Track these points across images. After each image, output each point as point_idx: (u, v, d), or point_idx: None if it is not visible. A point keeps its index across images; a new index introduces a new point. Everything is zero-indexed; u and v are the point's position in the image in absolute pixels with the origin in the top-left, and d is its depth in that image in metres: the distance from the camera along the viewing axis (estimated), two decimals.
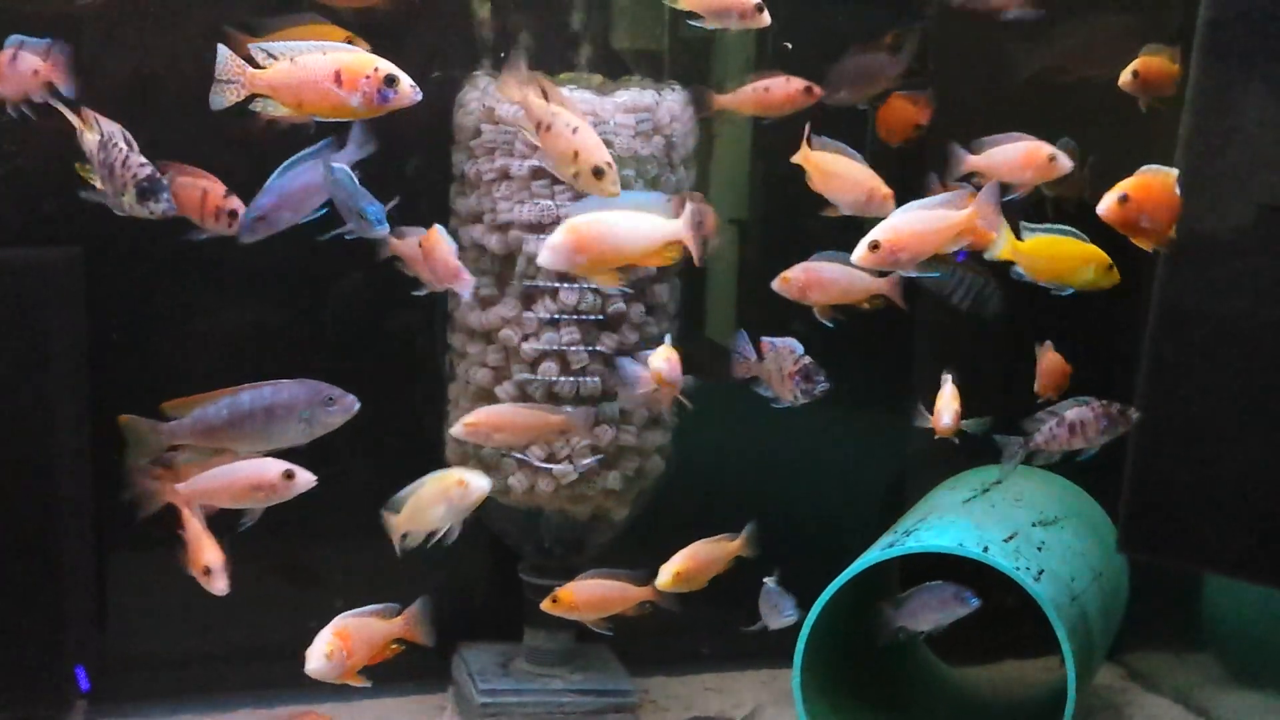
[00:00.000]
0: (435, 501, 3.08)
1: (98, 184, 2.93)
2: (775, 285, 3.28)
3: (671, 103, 3.66)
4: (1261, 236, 3.40)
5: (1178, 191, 2.97)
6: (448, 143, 3.71)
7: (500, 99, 3.54)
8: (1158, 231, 2.98)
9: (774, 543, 4.18)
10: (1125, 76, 3.38)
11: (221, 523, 3.00)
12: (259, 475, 2.86)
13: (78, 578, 3.70)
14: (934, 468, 4.38)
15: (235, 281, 3.84)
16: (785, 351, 3.24)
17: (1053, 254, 3.07)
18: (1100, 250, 3.04)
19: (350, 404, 2.88)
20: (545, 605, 3.36)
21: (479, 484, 3.09)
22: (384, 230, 2.95)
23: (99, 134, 2.91)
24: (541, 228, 3.52)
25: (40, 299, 3.46)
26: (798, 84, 3.62)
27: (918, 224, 2.95)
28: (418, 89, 2.70)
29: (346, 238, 2.98)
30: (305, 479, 2.87)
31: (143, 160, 2.87)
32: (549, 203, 3.53)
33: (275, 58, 2.69)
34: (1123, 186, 2.95)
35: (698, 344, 4.21)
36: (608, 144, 3.50)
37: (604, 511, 3.82)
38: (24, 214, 3.64)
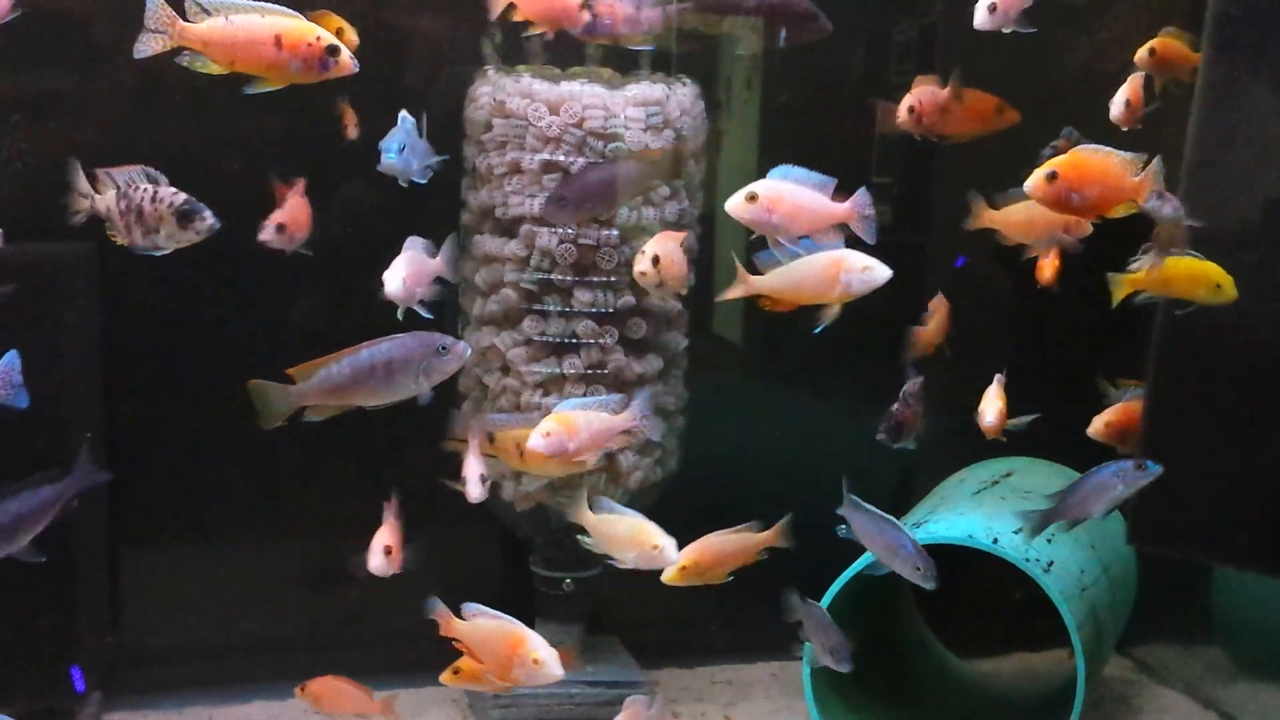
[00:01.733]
0: (628, 548, 3.17)
1: (127, 239, 2.88)
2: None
3: (681, 96, 3.67)
4: (1270, 230, 3.40)
5: (1127, 173, 2.96)
6: (459, 137, 3.72)
7: (511, 93, 3.56)
8: (1092, 209, 3.00)
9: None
10: (1142, 54, 3.41)
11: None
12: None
13: (91, 570, 3.73)
14: (942, 461, 4.39)
15: (247, 275, 3.85)
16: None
17: None
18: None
19: (462, 350, 2.93)
20: (444, 678, 3.27)
21: (669, 555, 3.15)
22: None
23: (113, 188, 2.85)
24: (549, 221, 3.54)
25: (54, 294, 3.48)
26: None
27: (798, 194, 3.04)
28: (356, 61, 2.72)
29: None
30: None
31: (172, 189, 2.83)
32: None
33: (209, 13, 2.68)
34: (1052, 164, 2.99)
35: (705, 340, 4.23)
36: (617, 137, 3.54)
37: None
38: (38, 210, 3.66)
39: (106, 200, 2.86)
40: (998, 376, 3.40)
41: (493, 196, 3.63)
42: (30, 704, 3.54)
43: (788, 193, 3.02)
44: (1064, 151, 3.42)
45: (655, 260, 3.26)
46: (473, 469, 3.22)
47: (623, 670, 3.99)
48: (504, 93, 3.58)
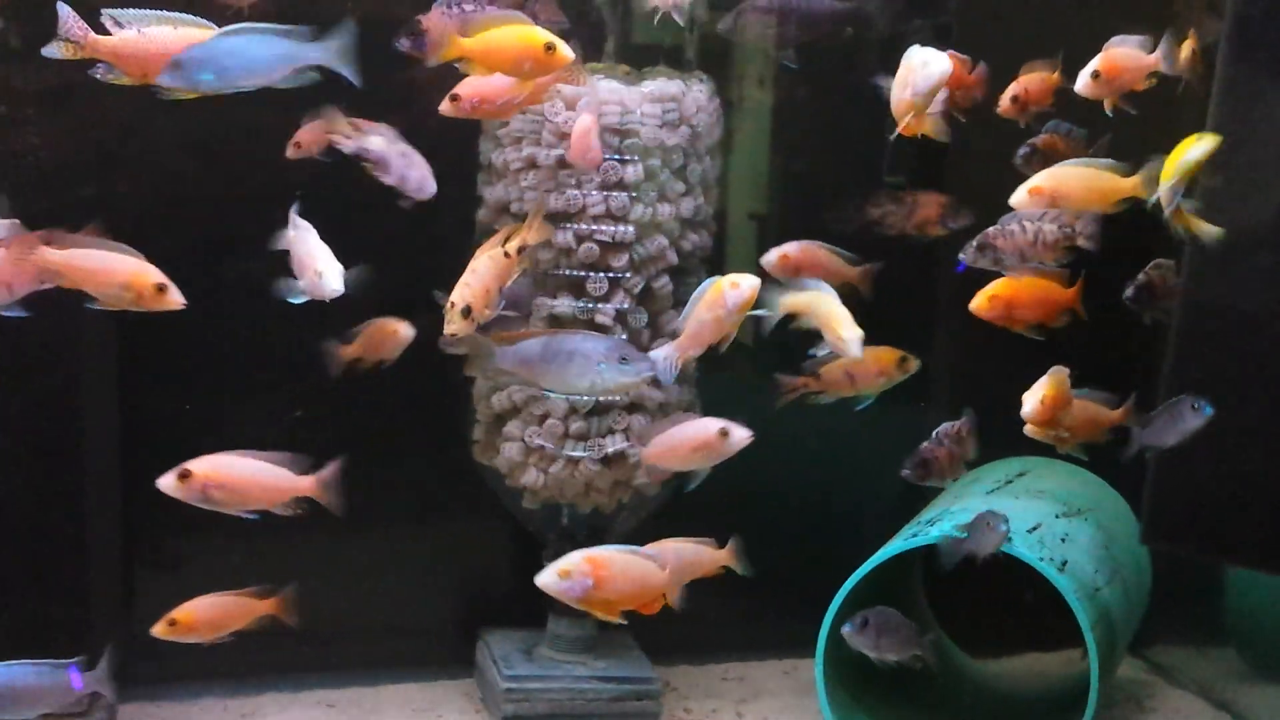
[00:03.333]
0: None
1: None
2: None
3: (697, 93, 3.67)
4: None
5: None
6: (475, 132, 3.73)
7: None
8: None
9: (797, 533, 4.22)
10: (1004, 104, 3.41)
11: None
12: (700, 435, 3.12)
13: (105, 560, 3.74)
14: None
15: (260, 265, 3.87)
16: None
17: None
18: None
19: (644, 369, 3.00)
20: (159, 630, 3.16)
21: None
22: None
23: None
24: (568, 216, 3.55)
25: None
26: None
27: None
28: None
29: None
30: (741, 436, 3.10)
31: None
32: (575, 192, 3.55)
33: (122, 26, 2.68)
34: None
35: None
36: (634, 133, 3.55)
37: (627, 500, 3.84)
38: (50, 206, 3.68)
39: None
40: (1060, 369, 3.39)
41: (508, 192, 3.63)
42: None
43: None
44: (1046, 149, 3.44)
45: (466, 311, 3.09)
46: None
47: (634, 666, 3.99)
48: None
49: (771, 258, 3.50)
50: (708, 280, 3.10)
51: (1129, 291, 3.48)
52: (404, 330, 3.38)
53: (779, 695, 4.21)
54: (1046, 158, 3.42)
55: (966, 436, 3.30)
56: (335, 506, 2.99)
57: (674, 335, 3.74)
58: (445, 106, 3.12)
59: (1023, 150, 3.45)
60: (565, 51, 2.96)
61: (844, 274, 3.49)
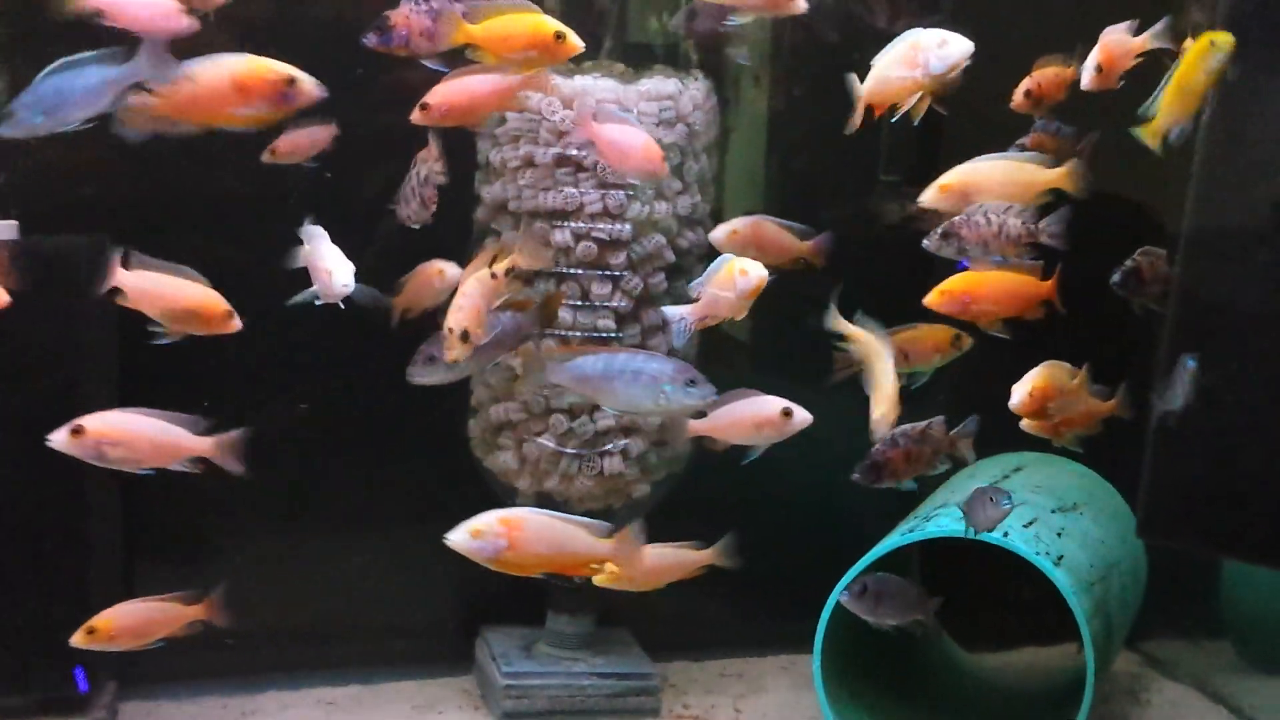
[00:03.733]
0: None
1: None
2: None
3: (694, 91, 3.69)
4: None
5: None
6: (473, 131, 3.73)
7: None
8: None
9: (795, 529, 4.23)
10: (1017, 98, 3.39)
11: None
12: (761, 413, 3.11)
13: (105, 560, 3.74)
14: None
15: (263, 265, 3.87)
16: None
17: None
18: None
19: (708, 393, 3.00)
20: (77, 639, 3.04)
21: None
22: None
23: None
24: (566, 215, 3.56)
25: (70, 285, 3.50)
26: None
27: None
28: (320, 85, 2.74)
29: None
30: (803, 417, 3.10)
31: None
32: (573, 190, 3.56)
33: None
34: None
35: (712, 336, 4.24)
36: None
37: (624, 496, 3.85)
38: (53, 202, 3.69)
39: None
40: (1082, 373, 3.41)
41: (506, 190, 3.64)
42: (46, 693, 3.56)
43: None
44: (1034, 148, 3.45)
45: (465, 335, 3.08)
46: None
47: (633, 663, 4.01)
48: None
49: (720, 234, 3.47)
50: (722, 257, 3.06)
51: (1116, 278, 3.48)
52: (449, 271, 3.33)
53: (777, 691, 4.23)
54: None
55: (932, 436, 3.24)
56: (234, 469, 2.94)
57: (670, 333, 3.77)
58: (416, 115, 3.10)
59: (1013, 151, 3.46)
60: (575, 41, 2.96)
61: (794, 249, 3.45)
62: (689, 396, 3.01)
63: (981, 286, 3.24)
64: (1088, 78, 3.24)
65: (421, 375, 3.20)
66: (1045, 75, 3.40)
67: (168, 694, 3.89)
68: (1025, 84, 3.40)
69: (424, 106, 3.09)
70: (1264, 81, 3.37)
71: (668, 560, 3.18)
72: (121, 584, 3.91)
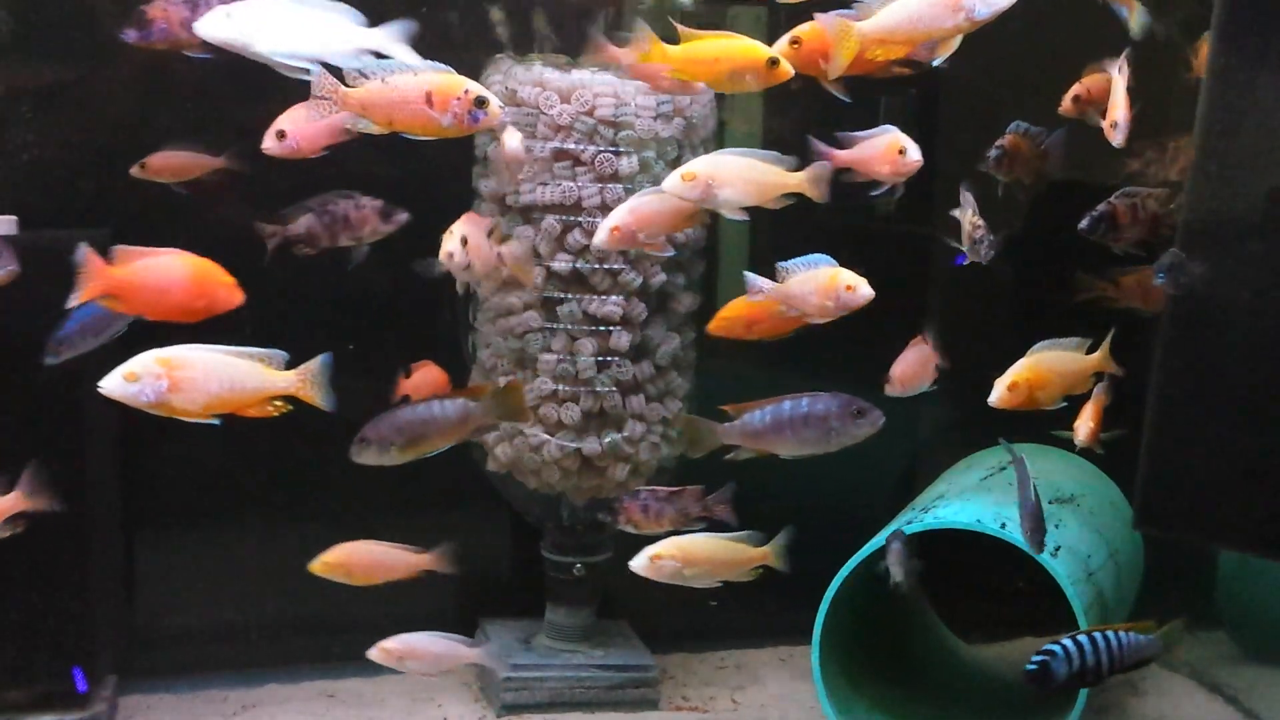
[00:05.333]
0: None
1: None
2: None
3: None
4: (1277, 218, 3.42)
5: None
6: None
7: (523, 81, 3.58)
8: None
9: (793, 521, 4.23)
10: (1065, 103, 3.44)
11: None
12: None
13: (106, 553, 3.75)
14: (945, 449, 4.42)
15: (260, 259, 3.88)
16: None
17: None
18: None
19: (876, 419, 3.03)
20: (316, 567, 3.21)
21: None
22: None
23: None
24: (564, 209, 3.57)
25: (71, 280, 3.50)
26: None
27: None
28: (507, 110, 2.79)
29: None
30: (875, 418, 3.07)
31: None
32: (570, 184, 3.57)
33: (367, 77, 2.80)
34: (794, 32, 3.08)
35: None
36: (628, 125, 3.57)
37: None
38: (55, 197, 3.70)
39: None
40: (1102, 385, 3.43)
41: (504, 185, 3.65)
42: (47, 686, 3.57)
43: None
44: (1012, 149, 3.48)
45: (464, 240, 3.16)
46: None
47: (632, 654, 4.02)
48: (515, 81, 3.60)
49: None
50: (822, 260, 3.09)
51: (1084, 223, 3.46)
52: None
53: (776, 682, 4.24)
54: (1013, 159, 3.48)
55: (683, 499, 3.33)
56: (325, 404, 2.97)
57: (675, 326, 3.78)
58: (270, 144, 3.07)
59: (993, 153, 3.48)
60: (787, 66, 2.97)
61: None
62: (859, 428, 3.04)
63: (760, 309, 3.27)
64: (1065, 105, 3.39)
65: (357, 455, 3.09)
66: (1094, 81, 3.44)
67: (168, 687, 3.90)
68: (1075, 89, 3.47)
69: (280, 135, 3.06)
70: (1258, 73, 3.38)
71: (723, 554, 3.22)
72: (122, 578, 3.93)
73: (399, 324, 4.02)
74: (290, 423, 3.91)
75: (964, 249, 3.38)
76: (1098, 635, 2.90)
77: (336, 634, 4.12)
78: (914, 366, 3.35)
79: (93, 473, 3.63)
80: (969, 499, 3.81)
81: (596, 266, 3.60)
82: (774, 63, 2.98)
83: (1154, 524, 3.71)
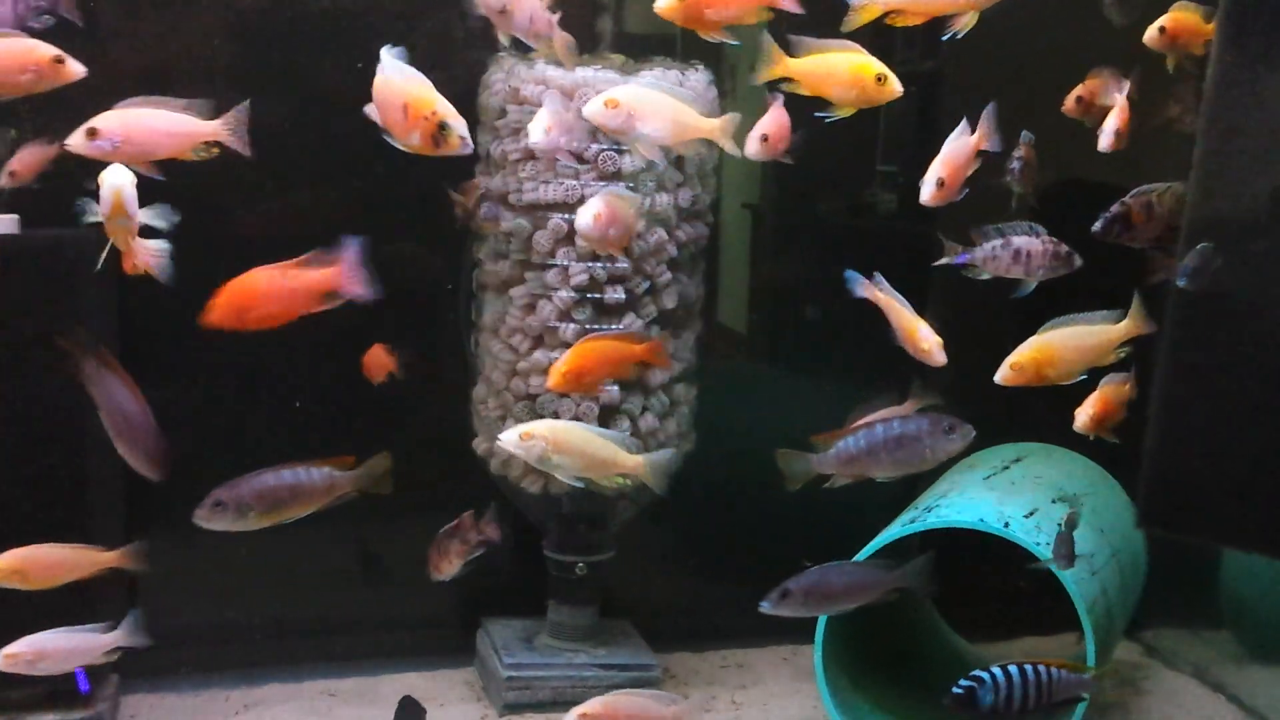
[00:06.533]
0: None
1: None
2: None
3: (694, 82, 3.69)
4: None
5: None
6: (473, 123, 3.74)
7: (525, 79, 3.58)
8: (724, 20, 3.02)
9: (796, 520, 4.23)
10: (1152, 33, 3.41)
11: None
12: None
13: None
14: None
15: (262, 258, 3.87)
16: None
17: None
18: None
19: (968, 433, 3.03)
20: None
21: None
22: None
23: None
24: (567, 207, 3.56)
25: (72, 278, 3.50)
26: None
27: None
28: (468, 143, 2.71)
29: None
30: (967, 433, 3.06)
31: None
32: (573, 182, 3.56)
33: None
34: None
35: (711, 328, 4.25)
36: None
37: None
38: (57, 195, 3.68)
39: None
40: (1119, 378, 3.41)
41: (507, 182, 3.65)
42: (49, 685, 3.56)
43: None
44: (1028, 160, 3.48)
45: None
46: None
47: (634, 653, 4.01)
48: (518, 79, 3.60)
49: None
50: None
51: (1096, 226, 3.44)
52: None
53: (777, 681, 4.24)
54: (1030, 169, 3.50)
55: (462, 528, 3.44)
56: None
57: (674, 326, 3.78)
58: (78, 141, 2.79)
59: (1014, 164, 3.48)
60: (896, 85, 3.00)
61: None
62: (952, 443, 3.04)
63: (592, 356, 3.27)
64: (1105, 141, 3.36)
65: (205, 520, 2.95)
66: (1097, 85, 3.47)
67: (170, 686, 3.90)
68: (1077, 90, 3.50)
69: (92, 132, 2.79)
70: (1262, 72, 3.38)
71: (595, 449, 3.15)
72: (123, 576, 3.92)
73: (400, 323, 4.01)
74: (291, 422, 3.94)
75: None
76: (1028, 668, 2.93)
77: (338, 634, 4.12)
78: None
79: (94, 471, 3.63)
80: (972, 498, 3.80)
81: (604, 267, 3.60)
82: (882, 80, 3.00)
83: (1157, 523, 3.71)
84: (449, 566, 3.40)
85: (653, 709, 3.10)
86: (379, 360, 3.58)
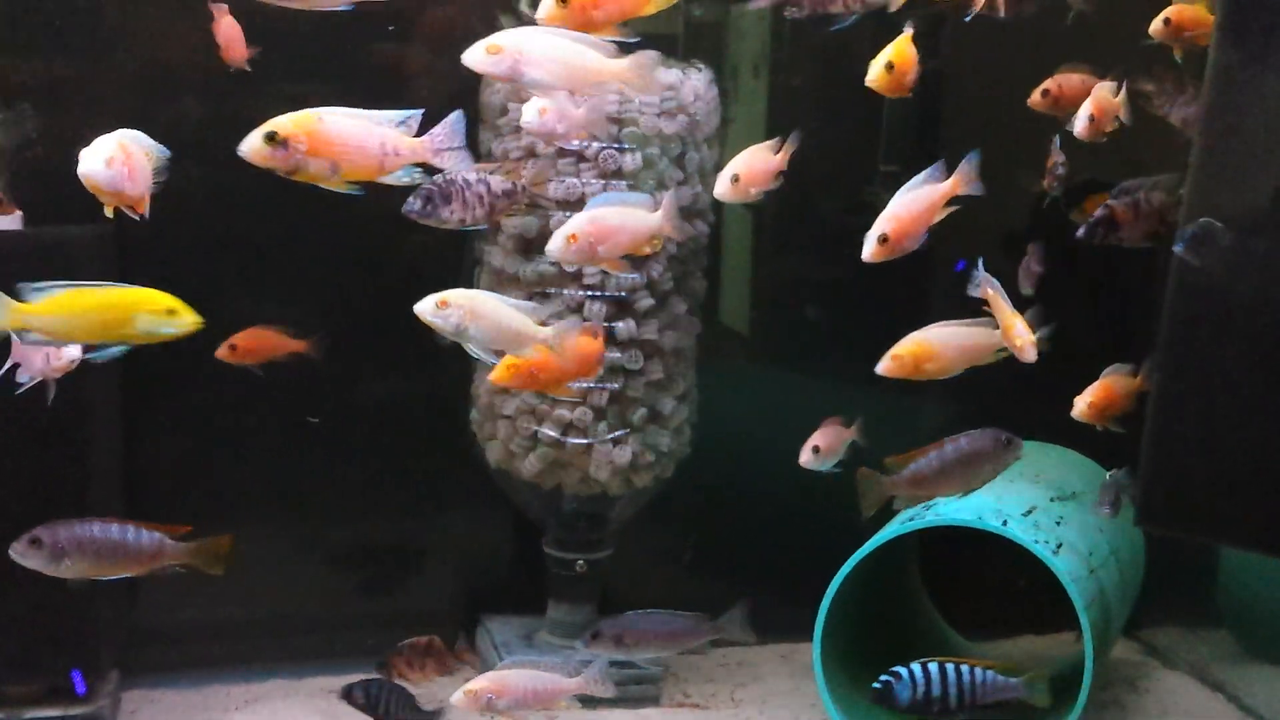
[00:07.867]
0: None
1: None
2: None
3: (695, 82, 3.69)
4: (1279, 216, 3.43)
5: None
6: (475, 121, 3.75)
7: None
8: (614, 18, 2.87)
9: (795, 518, 4.24)
10: (1157, 25, 3.39)
11: None
12: None
13: None
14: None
15: (264, 258, 3.89)
16: None
17: None
18: None
19: (1019, 445, 3.04)
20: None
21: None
22: None
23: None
24: (568, 205, 3.57)
25: (74, 276, 3.49)
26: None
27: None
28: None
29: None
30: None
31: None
32: (575, 180, 3.57)
33: None
34: None
35: (713, 329, 4.25)
36: (632, 122, 3.56)
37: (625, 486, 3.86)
38: (58, 194, 3.69)
39: None
40: (1113, 369, 3.44)
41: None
42: (50, 682, 3.57)
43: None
44: (1063, 166, 3.48)
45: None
46: None
47: None
48: None
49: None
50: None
51: (1081, 231, 3.44)
52: None
53: (776, 678, 4.24)
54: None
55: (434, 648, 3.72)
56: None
57: (679, 323, 3.78)
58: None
59: (1058, 169, 3.48)
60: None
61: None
62: (1009, 456, 3.05)
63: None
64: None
65: (19, 555, 2.76)
66: (1069, 80, 3.43)
67: (170, 683, 3.91)
68: (1046, 84, 3.45)
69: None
70: (1261, 71, 3.38)
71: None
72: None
73: (400, 322, 4.02)
74: (291, 421, 3.95)
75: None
76: (949, 667, 2.91)
77: (338, 631, 4.13)
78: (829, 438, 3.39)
79: (95, 469, 3.63)
80: (971, 496, 3.80)
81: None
82: (889, 67, 3.00)
83: (1156, 521, 3.71)
84: (417, 677, 3.69)
85: (546, 680, 3.15)
86: (268, 342, 3.55)
